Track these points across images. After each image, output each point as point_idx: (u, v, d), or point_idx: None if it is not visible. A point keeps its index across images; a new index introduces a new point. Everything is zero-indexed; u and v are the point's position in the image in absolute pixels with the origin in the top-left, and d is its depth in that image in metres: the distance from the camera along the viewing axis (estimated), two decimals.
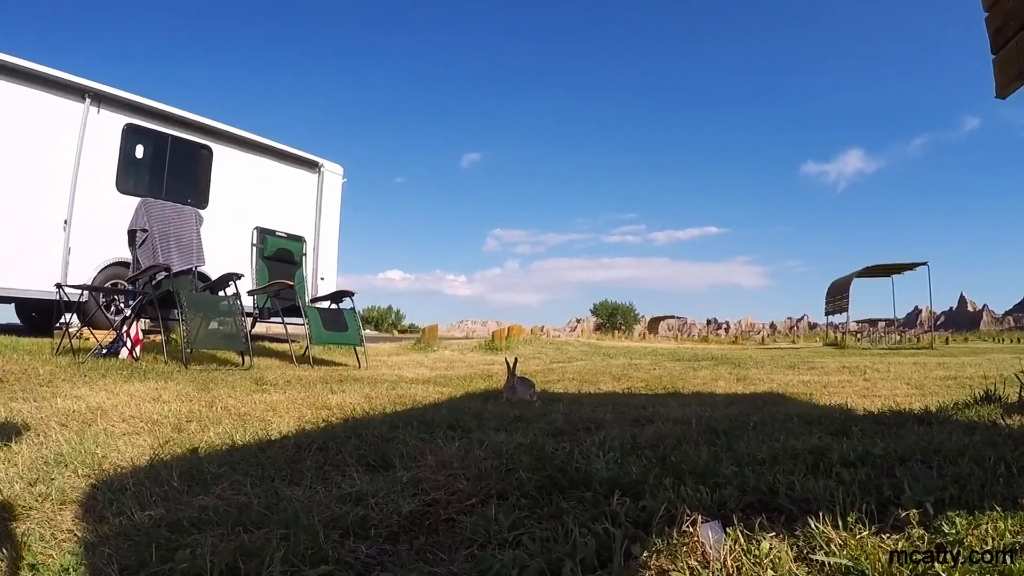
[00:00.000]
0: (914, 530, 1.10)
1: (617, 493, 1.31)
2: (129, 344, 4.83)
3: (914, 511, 1.15)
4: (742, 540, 1.06)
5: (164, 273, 5.24)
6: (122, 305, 6.52)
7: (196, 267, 5.67)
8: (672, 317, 33.99)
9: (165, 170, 7.20)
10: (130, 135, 6.80)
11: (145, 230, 5.40)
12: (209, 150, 7.65)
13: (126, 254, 5.73)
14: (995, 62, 2.15)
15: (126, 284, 6.02)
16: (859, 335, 17.79)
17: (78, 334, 5.05)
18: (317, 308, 5.99)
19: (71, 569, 1.06)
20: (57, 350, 4.66)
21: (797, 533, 1.10)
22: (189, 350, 4.67)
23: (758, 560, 1.01)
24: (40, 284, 5.83)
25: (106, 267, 6.49)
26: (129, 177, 6.80)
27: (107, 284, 6.49)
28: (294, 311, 5.88)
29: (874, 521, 1.13)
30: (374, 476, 1.59)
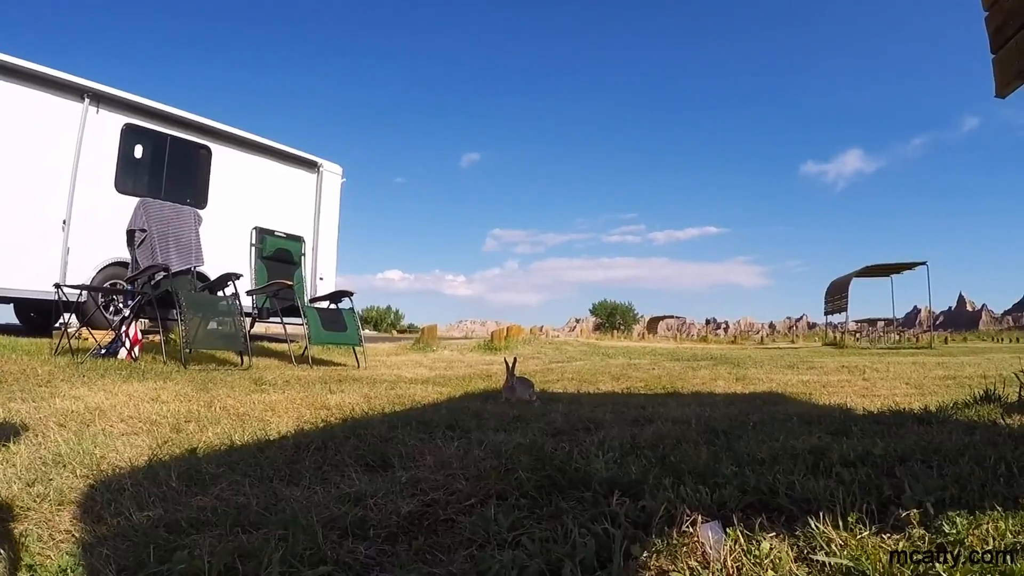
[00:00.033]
0: (915, 530, 1.09)
1: (617, 493, 1.30)
2: (128, 344, 4.82)
3: (915, 511, 1.15)
4: (742, 540, 1.05)
5: (163, 273, 5.23)
6: (121, 305, 6.51)
7: (195, 267, 5.67)
8: (671, 317, 34.03)
9: (164, 170, 7.19)
10: (129, 135, 6.79)
11: (144, 230, 5.40)
12: (208, 150, 7.65)
13: (125, 254, 5.72)
14: (995, 61, 2.15)
15: (125, 284, 6.01)
16: (858, 335, 17.80)
17: (77, 334, 5.04)
18: (316, 308, 5.98)
19: (69, 570, 1.05)
20: (56, 350, 4.65)
21: (797, 533, 1.10)
22: (188, 350, 4.66)
23: (758, 560, 1.00)
24: (39, 284, 5.82)
25: (105, 267, 6.48)
26: (128, 177, 6.79)
27: (106, 284, 6.48)
28: (293, 311, 5.88)
29: (874, 521, 1.13)
30: (373, 476, 1.59)
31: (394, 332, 29.09)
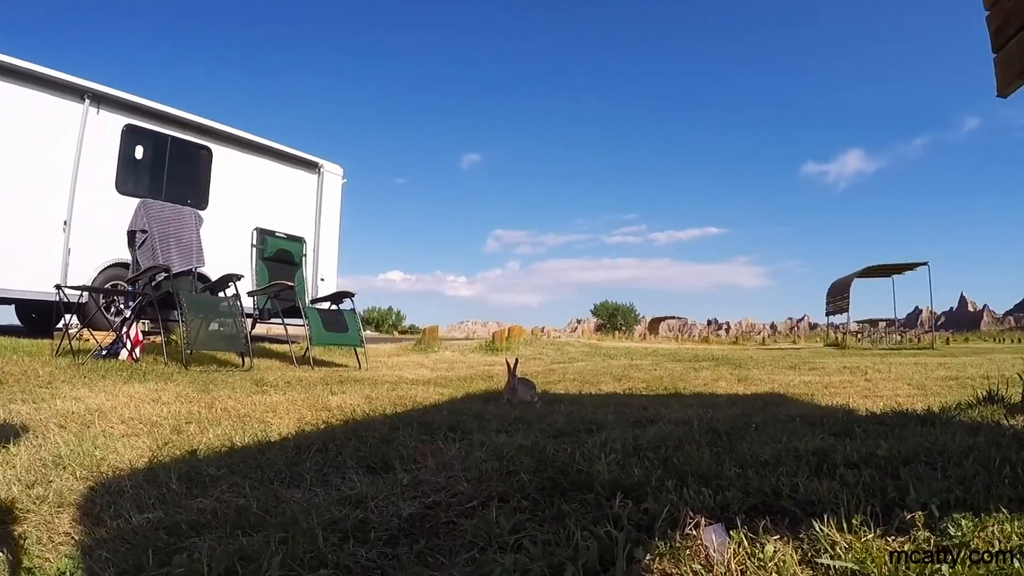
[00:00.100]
0: (920, 532, 1.09)
1: (619, 495, 1.29)
2: (129, 345, 4.82)
3: (919, 513, 1.14)
4: (746, 543, 1.05)
5: (164, 274, 5.23)
6: (122, 306, 6.51)
7: (196, 268, 5.67)
8: (673, 318, 33.99)
9: (165, 171, 7.19)
10: (129, 136, 6.79)
11: (145, 231, 5.40)
12: (209, 151, 7.65)
13: (126, 255, 5.72)
14: (996, 61, 2.14)
15: (126, 285, 6.01)
16: (860, 335, 17.76)
17: (78, 335, 5.04)
18: (317, 309, 5.98)
19: (68, 573, 1.05)
20: (57, 351, 4.65)
21: (801, 536, 1.09)
22: (189, 351, 4.66)
23: (762, 564, 0.99)
24: (40, 285, 5.82)
25: (106, 268, 6.48)
26: (129, 178, 6.80)
27: (107, 285, 6.48)
28: (294, 312, 5.88)
29: (879, 523, 1.12)
30: (374, 478, 1.58)
31: (395, 333, 29.10)
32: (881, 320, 19.54)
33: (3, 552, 1.10)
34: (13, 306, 7.68)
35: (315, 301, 6.44)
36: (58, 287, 4.96)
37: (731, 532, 1.08)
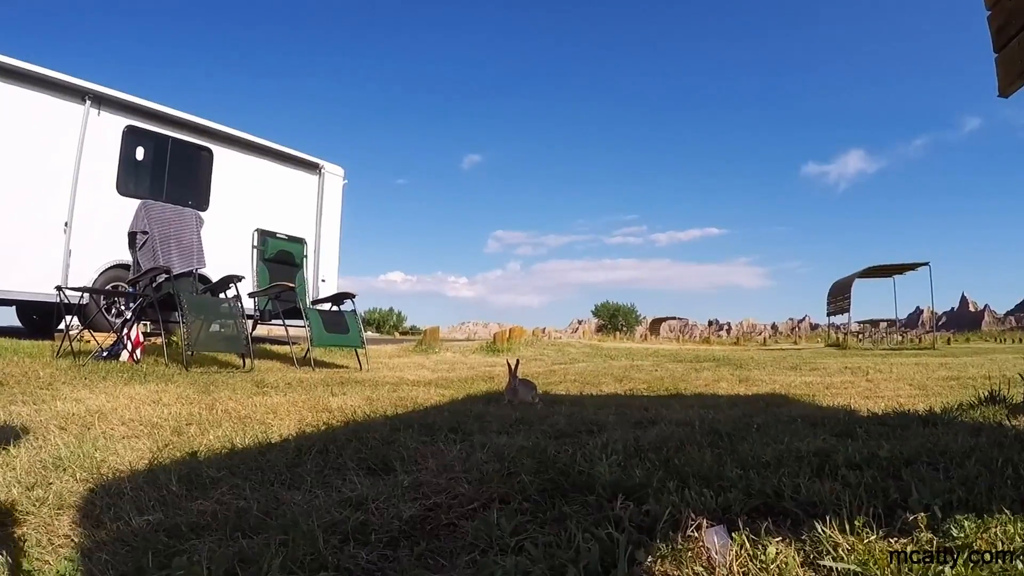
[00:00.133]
0: (922, 534, 1.08)
1: (621, 497, 1.29)
2: (129, 346, 4.83)
3: (922, 514, 1.14)
4: (748, 545, 1.04)
5: (165, 275, 5.23)
6: (123, 307, 6.51)
7: (197, 269, 5.67)
8: (673, 318, 33.96)
9: (166, 172, 7.19)
10: (130, 137, 6.79)
11: (145, 232, 5.40)
12: (210, 152, 7.65)
13: (126, 256, 5.72)
14: (997, 61, 2.14)
15: (127, 286, 6.01)
16: (861, 336, 17.75)
17: (78, 336, 5.04)
18: (318, 310, 5.98)
19: (67, 575, 1.05)
20: (57, 353, 4.65)
21: (804, 537, 1.09)
22: (190, 352, 4.66)
23: (765, 566, 0.99)
24: (40, 286, 5.82)
25: (107, 269, 6.48)
26: (129, 179, 6.80)
27: (108, 286, 6.48)
28: (295, 313, 5.87)
29: (881, 525, 1.11)
30: (375, 480, 1.58)
31: (396, 334, 29.11)
32: (882, 320, 19.52)
33: (3, 554, 1.10)
34: (14, 307, 7.69)
35: (316, 302, 6.44)
36: (59, 288, 4.96)
37: (733, 534, 1.07)
